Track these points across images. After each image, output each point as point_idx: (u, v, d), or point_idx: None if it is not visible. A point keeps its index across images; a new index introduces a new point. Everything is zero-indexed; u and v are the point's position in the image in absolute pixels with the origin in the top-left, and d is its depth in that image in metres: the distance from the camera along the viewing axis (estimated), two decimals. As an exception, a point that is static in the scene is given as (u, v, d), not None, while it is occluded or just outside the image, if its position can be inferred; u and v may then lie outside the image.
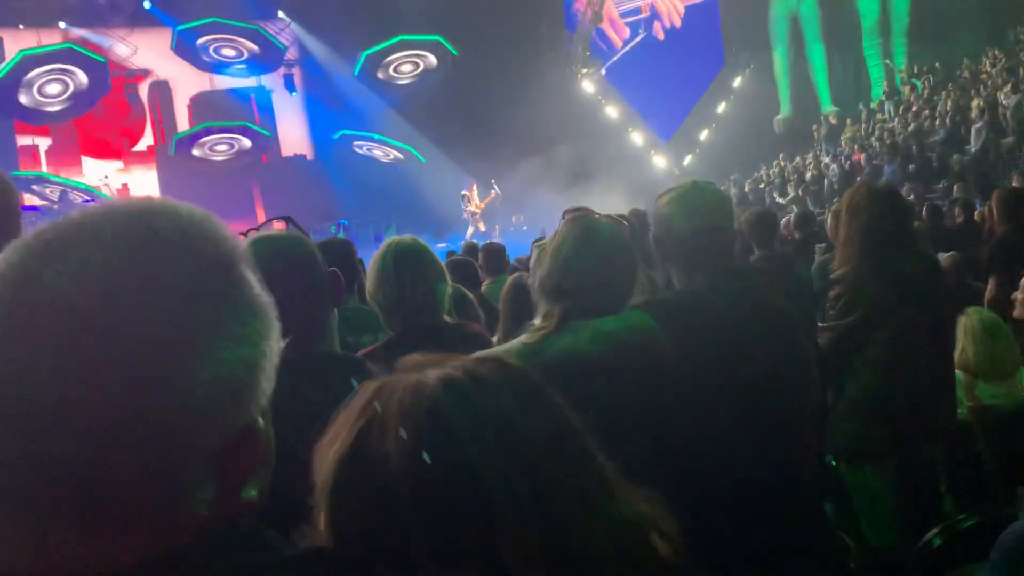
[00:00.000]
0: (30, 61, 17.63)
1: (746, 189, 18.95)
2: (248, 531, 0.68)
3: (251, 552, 0.66)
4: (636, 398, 1.67)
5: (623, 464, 0.78)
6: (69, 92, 18.36)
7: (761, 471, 1.75)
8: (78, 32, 18.81)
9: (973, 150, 13.70)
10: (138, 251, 0.61)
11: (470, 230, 17.76)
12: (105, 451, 0.57)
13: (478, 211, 18.25)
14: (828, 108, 22.41)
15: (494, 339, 3.08)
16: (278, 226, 2.40)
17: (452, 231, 18.06)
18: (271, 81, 21.42)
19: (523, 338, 1.81)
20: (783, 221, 6.85)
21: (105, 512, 0.58)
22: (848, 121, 20.66)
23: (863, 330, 2.79)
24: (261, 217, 19.34)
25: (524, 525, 0.70)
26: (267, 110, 21.48)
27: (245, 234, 1.66)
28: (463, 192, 18.24)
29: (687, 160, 22.92)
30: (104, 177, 19.25)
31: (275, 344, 0.68)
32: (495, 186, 18.95)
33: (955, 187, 11.03)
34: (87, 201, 18.29)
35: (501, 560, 0.69)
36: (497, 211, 19.04)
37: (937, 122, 15.95)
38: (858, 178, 15.04)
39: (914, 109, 17.65)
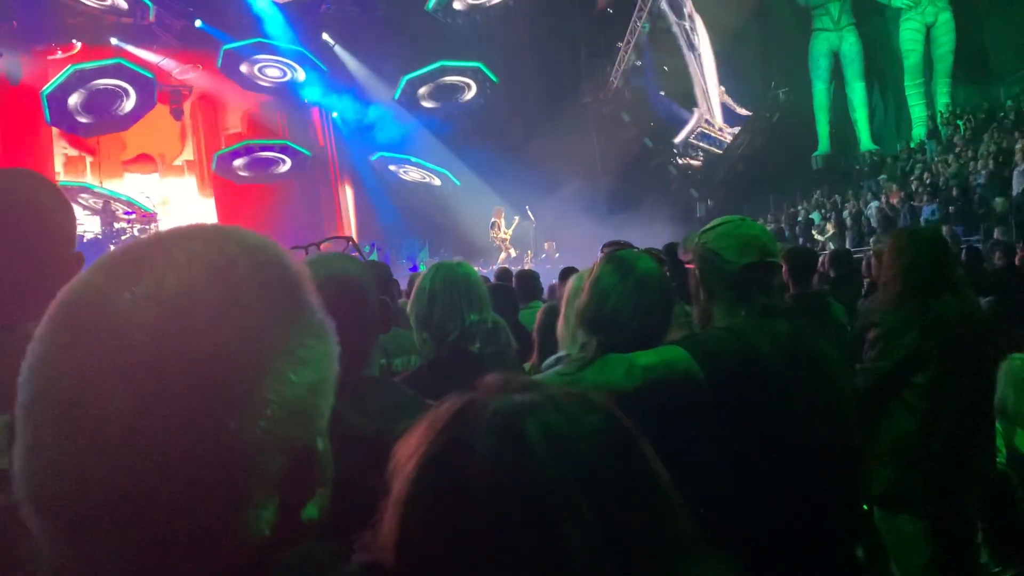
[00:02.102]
0: (81, 75, 18.10)
1: (782, 224, 18.84)
2: (308, 551, 0.68)
3: (310, 570, 0.67)
4: (670, 434, 1.66)
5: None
6: (117, 106, 18.81)
7: (795, 514, 1.73)
8: (129, 49, 19.29)
9: (1015, 192, 13.49)
10: (210, 275, 0.63)
11: (502, 255, 17.79)
12: (175, 474, 0.58)
13: (507, 237, 18.28)
14: (867, 146, 22.24)
15: (527, 365, 3.09)
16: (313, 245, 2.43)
17: (484, 255, 18.12)
18: (310, 101, 21.75)
19: (559, 368, 1.82)
20: (820, 260, 6.79)
21: (171, 534, 0.59)
22: (888, 160, 20.47)
23: (903, 374, 2.75)
24: (293, 236, 19.53)
25: (594, 569, 0.66)
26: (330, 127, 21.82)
27: (306, 249, 1.69)
28: (492, 219, 18.30)
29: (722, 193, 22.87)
30: (143, 193, 19.62)
31: (335, 367, 0.70)
32: (529, 212, 18.99)
33: (996, 231, 10.86)
34: (129, 213, 18.69)
35: None
36: (530, 238, 19.07)
37: (979, 163, 15.75)
38: (897, 218, 14.88)
39: (956, 150, 17.46)
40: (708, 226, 2.04)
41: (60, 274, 1.39)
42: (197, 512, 0.59)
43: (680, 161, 23.56)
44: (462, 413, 0.72)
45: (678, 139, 23.58)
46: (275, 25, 19.92)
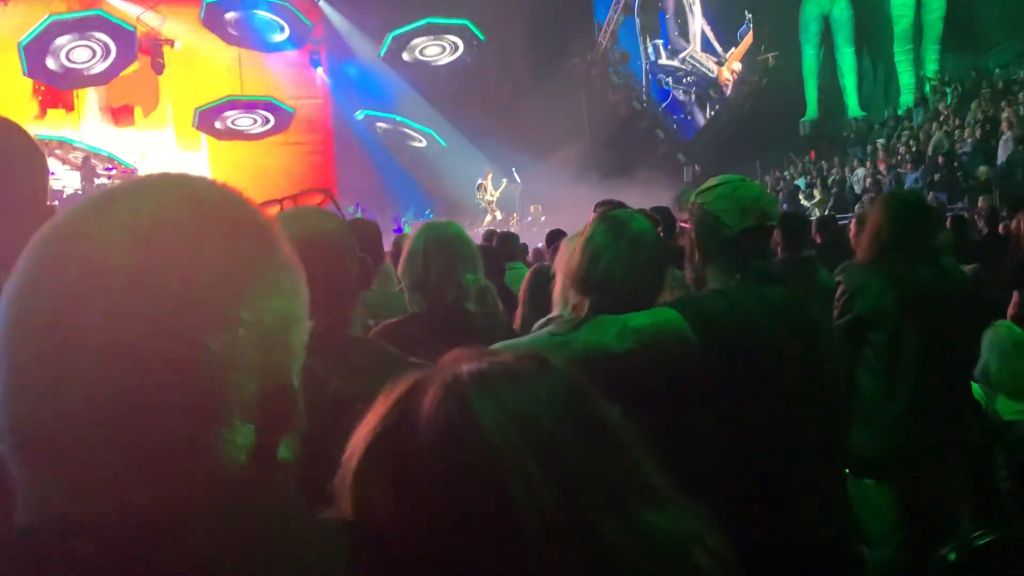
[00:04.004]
0: (59, 26, 17.66)
1: (768, 190, 18.85)
2: (284, 491, 0.71)
3: (285, 512, 0.69)
4: (661, 396, 1.65)
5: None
6: (96, 59, 18.40)
7: (783, 478, 1.73)
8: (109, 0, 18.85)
9: (1000, 162, 13.54)
10: (182, 207, 0.66)
11: (487, 218, 17.71)
12: (151, 386, 0.60)
13: (493, 199, 18.18)
14: (855, 112, 22.21)
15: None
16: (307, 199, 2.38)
17: (469, 218, 18.04)
18: (295, 57, 21.40)
19: (551, 328, 1.80)
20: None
21: (150, 449, 0.61)
22: (875, 127, 20.45)
23: (860, 331, 2.77)
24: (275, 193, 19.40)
25: (547, 529, 0.68)
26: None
27: (281, 202, 1.64)
28: (479, 181, 18.17)
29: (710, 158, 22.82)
30: (123, 146, 19.32)
31: (305, 307, 0.72)
32: (515, 175, 18.87)
33: (980, 199, 10.91)
34: (109, 168, 18.40)
35: (526, 567, 0.67)
36: (516, 200, 18.97)
37: (966, 132, 15.78)
38: (882, 185, 14.92)
39: (942, 118, 17.46)
40: (706, 185, 2.00)
41: (30, 227, 1.35)
42: (174, 423, 0.61)
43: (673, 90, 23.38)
44: (415, 385, 0.75)
45: (663, 60, 23.41)
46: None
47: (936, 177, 14.25)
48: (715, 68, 23.53)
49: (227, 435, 0.64)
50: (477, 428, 0.70)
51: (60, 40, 17.65)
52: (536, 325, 2.48)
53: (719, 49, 23.62)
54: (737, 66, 23.23)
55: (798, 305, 1.92)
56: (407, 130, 21.54)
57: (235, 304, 0.64)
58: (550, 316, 2.25)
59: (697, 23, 23.58)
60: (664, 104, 24.00)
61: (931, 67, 20.97)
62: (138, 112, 20.37)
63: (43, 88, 18.85)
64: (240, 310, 0.64)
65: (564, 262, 1.93)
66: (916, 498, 2.74)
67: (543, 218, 17.96)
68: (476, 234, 10.09)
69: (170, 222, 0.65)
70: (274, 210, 1.46)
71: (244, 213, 0.70)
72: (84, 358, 0.59)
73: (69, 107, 19.45)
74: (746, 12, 22.86)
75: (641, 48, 23.82)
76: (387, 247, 5.17)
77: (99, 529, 0.61)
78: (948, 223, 7.44)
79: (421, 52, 20.79)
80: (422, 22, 19.97)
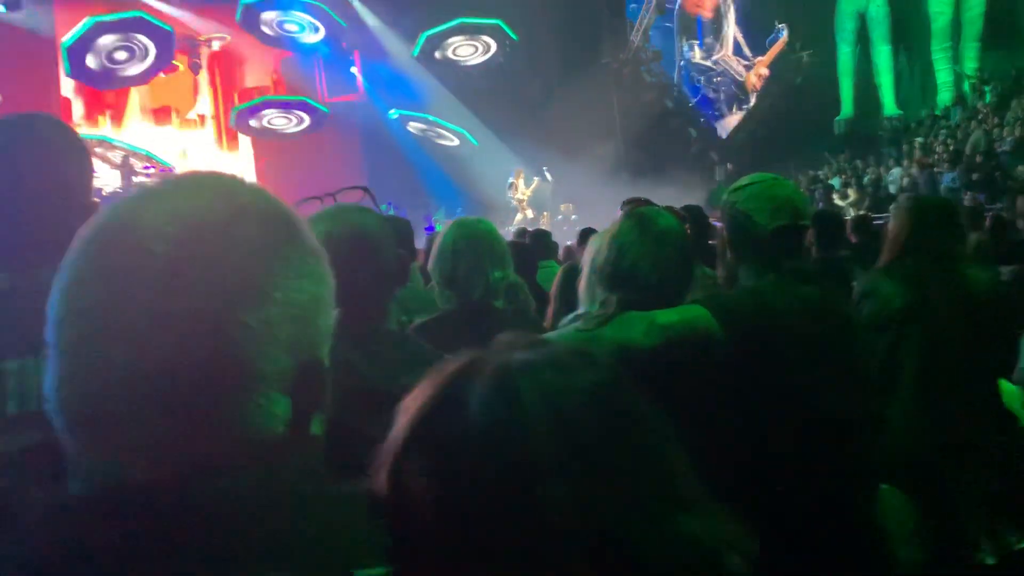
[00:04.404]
0: (100, 28, 17.99)
1: (801, 189, 18.62)
2: (316, 461, 0.77)
3: (318, 477, 0.75)
4: (688, 395, 1.64)
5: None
6: (135, 59, 18.72)
7: (811, 477, 1.72)
8: (148, 1, 19.14)
9: (1041, 161, 13.27)
10: (216, 201, 0.73)
11: (518, 216, 17.70)
12: (194, 358, 0.67)
13: (524, 198, 18.16)
14: (892, 111, 21.86)
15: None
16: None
17: (501, 216, 18.05)
18: (330, 57, 21.56)
19: (578, 325, 1.81)
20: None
21: (195, 416, 0.67)
22: (912, 126, 20.12)
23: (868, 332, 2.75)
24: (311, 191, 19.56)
25: (580, 528, 0.69)
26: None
27: (321, 199, 1.68)
28: (510, 180, 18.16)
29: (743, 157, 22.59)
30: (161, 146, 19.61)
31: (331, 290, 0.79)
32: (547, 173, 18.83)
33: (1018, 199, 10.68)
34: (147, 167, 18.71)
35: (554, 560, 0.68)
36: (547, 199, 18.94)
37: (1005, 131, 15.47)
38: (918, 184, 14.69)
39: (980, 116, 17.14)
40: (738, 184, 1.99)
41: (74, 222, 1.40)
42: (215, 392, 0.68)
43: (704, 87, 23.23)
44: (463, 369, 0.76)
45: (697, 59, 23.27)
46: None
47: (974, 176, 13.99)
48: (744, 72, 23.37)
49: (264, 403, 0.70)
50: (522, 415, 0.71)
51: (103, 40, 17.99)
52: (563, 321, 2.49)
53: (748, 54, 23.45)
54: (764, 71, 23.06)
55: (832, 305, 1.90)
56: (439, 129, 21.62)
57: (266, 285, 0.71)
58: (577, 312, 2.26)
59: (731, 28, 23.43)
60: (696, 101, 23.83)
61: (970, 65, 20.56)
62: (176, 112, 20.68)
63: (84, 88, 19.20)
64: (271, 290, 0.71)
65: (590, 259, 1.94)
66: (933, 503, 2.70)
67: (574, 216, 17.91)
68: (507, 232, 10.11)
69: (205, 213, 0.71)
70: (314, 206, 1.49)
71: (271, 205, 0.76)
72: (131, 335, 0.66)
73: (113, 105, 19.80)
74: (777, 22, 22.67)
75: (676, 47, 23.68)
76: (418, 245, 5.21)
77: (148, 488, 0.67)
78: (987, 223, 7.29)
79: (454, 52, 20.85)
80: (455, 22, 20.02)
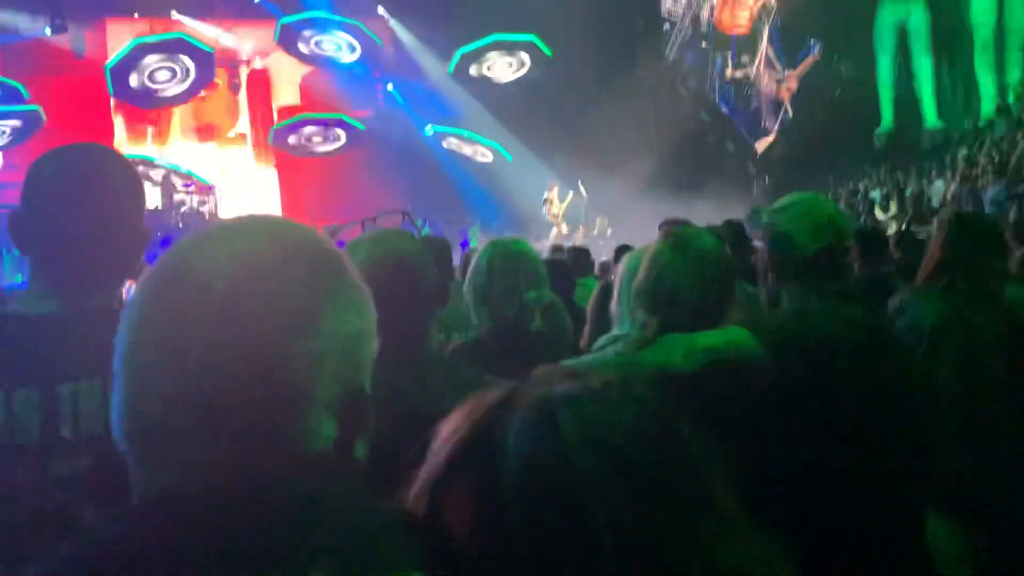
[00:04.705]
0: (143, 49, 18.44)
1: (841, 203, 18.39)
2: (360, 480, 0.82)
3: (362, 495, 0.79)
4: (730, 419, 1.62)
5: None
6: (177, 79, 19.15)
7: (861, 506, 1.68)
8: (189, 22, 19.58)
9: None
10: (268, 242, 0.80)
11: (553, 231, 17.70)
12: (248, 384, 0.73)
13: (559, 213, 18.16)
14: (933, 123, 21.52)
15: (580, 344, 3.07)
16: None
17: (535, 231, 18.06)
18: (366, 74, 21.83)
19: (617, 348, 1.80)
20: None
21: (249, 435, 0.73)
22: (955, 138, 19.78)
23: None
24: (349, 208, 19.89)
25: (623, 556, 0.68)
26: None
27: (362, 223, 1.70)
28: (544, 195, 18.18)
29: (781, 171, 22.37)
30: (202, 165, 19.97)
31: (373, 323, 0.84)
32: (581, 188, 18.83)
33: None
34: (187, 185, 19.08)
35: None
36: (582, 213, 18.93)
37: (1052, 143, 15.13)
38: (961, 198, 14.42)
39: (1027, 127, 16.80)
40: (779, 205, 1.97)
41: (126, 249, 1.44)
42: (267, 413, 0.74)
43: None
44: (504, 401, 0.77)
45: (729, 72, 23.19)
46: (331, 0, 20.00)
47: (1021, 189, 13.69)
48: (775, 86, 23.21)
49: (313, 425, 0.76)
50: (562, 449, 0.72)
51: (145, 61, 18.45)
52: (599, 342, 2.48)
53: (779, 67, 23.31)
54: (793, 85, 22.90)
55: (879, 327, 1.86)
56: (474, 144, 21.75)
57: (314, 319, 0.77)
58: (615, 334, 2.25)
59: (763, 43, 23.34)
60: (732, 116, 23.69)
61: (1015, 75, 20.18)
62: (216, 130, 21.07)
63: (128, 108, 19.66)
64: (319, 324, 0.77)
65: (621, 279, 1.93)
66: (982, 530, 2.63)
67: (609, 231, 17.87)
68: (542, 247, 10.12)
69: (258, 254, 0.78)
70: (355, 231, 1.50)
71: (318, 246, 0.83)
72: (192, 363, 0.72)
73: (156, 124, 20.24)
74: (810, 39, 22.51)
75: (711, 61, 23.59)
76: (454, 259, 5.23)
77: (205, 497, 0.73)
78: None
79: (488, 68, 20.99)
80: (489, 39, 20.17)
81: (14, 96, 17.52)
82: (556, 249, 6.85)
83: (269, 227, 0.83)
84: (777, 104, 23.27)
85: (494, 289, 2.32)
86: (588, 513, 0.69)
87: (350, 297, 0.82)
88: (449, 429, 0.78)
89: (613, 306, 2.50)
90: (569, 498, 0.70)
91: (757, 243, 2.14)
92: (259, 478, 0.73)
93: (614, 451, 0.72)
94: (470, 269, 2.43)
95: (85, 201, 1.34)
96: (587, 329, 3.17)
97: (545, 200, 18.10)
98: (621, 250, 5.29)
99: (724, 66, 23.48)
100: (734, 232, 4.21)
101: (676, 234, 1.93)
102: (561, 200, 18.22)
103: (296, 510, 0.73)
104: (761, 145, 23.16)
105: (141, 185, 1.46)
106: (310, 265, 0.80)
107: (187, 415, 0.72)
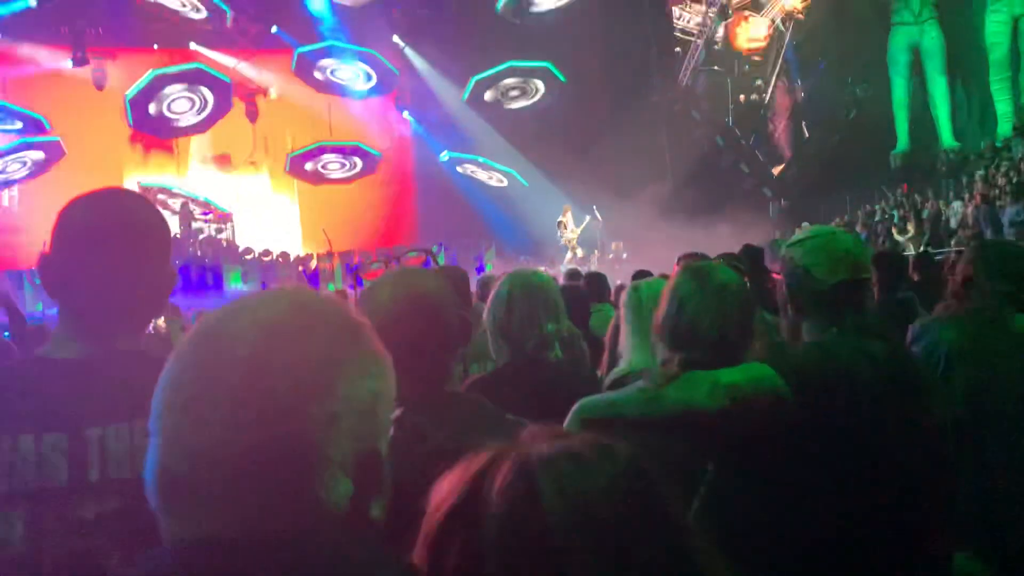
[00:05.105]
0: (161, 80, 18.73)
1: (858, 225, 18.31)
2: (374, 538, 0.85)
3: (374, 553, 0.82)
4: (755, 456, 1.62)
5: (735, 523, 0.73)
6: (195, 109, 19.42)
7: (884, 542, 1.67)
8: (207, 52, 19.87)
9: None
10: (291, 312, 0.86)
11: (568, 255, 17.70)
12: (268, 443, 0.77)
13: (573, 237, 18.17)
14: (949, 143, 21.43)
15: (598, 373, 3.06)
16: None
17: (550, 256, 18.07)
18: (382, 102, 22.05)
19: (640, 384, 1.79)
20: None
21: (269, 491, 0.78)
22: (971, 158, 19.69)
23: None
24: (367, 234, 20.02)
25: None
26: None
27: (387, 263, 1.72)
28: (559, 219, 18.22)
29: (797, 193, 22.32)
30: (218, 192, 20.14)
31: (392, 386, 0.89)
32: (596, 213, 18.86)
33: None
34: (205, 213, 19.26)
35: None
36: (597, 238, 18.93)
37: (1070, 162, 15.02)
38: (979, 219, 14.33)
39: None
40: (797, 238, 1.97)
41: (158, 291, 1.46)
42: (286, 471, 0.78)
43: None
44: (488, 464, 0.80)
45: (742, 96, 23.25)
46: (347, 29, 20.24)
47: (1040, 210, 13.60)
48: (790, 107, 23.29)
49: (329, 483, 0.80)
50: (540, 509, 0.74)
51: (165, 91, 18.73)
52: (615, 371, 2.47)
53: (795, 89, 23.42)
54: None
55: (900, 359, 1.85)
56: (489, 170, 21.86)
57: (332, 383, 0.82)
58: (621, 369, 2.25)
59: (777, 65, 23.45)
60: (746, 138, 23.70)
61: (1031, 94, 20.11)
62: (234, 158, 21.29)
63: (147, 137, 19.94)
64: (336, 387, 0.82)
65: (624, 310, 1.90)
66: (1004, 562, 2.58)
67: (625, 255, 17.85)
68: (557, 272, 10.11)
69: (282, 323, 0.84)
70: (381, 271, 1.52)
71: (339, 315, 0.88)
72: (217, 424, 0.77)
73: (174, 154, 20.49)
74: (820, 59, 22.60)
75: (725, 84, 23.66)
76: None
77: (231, 546, 0.77)
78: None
79: (503, 95, 21.14)
80: (503, 66, 20.33)
81: (36, 127, 17.84)
82: (572, 275, 6.83)
83: (293, 298, 0.88)
84: (793, 126, 23.29)
85: (513, 320, 2.32)
86: (566, 570, 0.72)
87: (367, 362, 0.86)
88: (440, 493, 0.81)
89: (622, 339, 2.50)
90: (546, 561, 0.73)
91: (776, 277, 2.14)
92: (276, 532, 0.77)
93: (589, 510, 0.74)
94: (489, 300, 2.43)
95: (114, 249, 1.36)
96: (605, 357, 3.17)
97: (559, 223, 18.13)
98: (639, 275, 5.28)
99: (737, 89, 23.55)
100: (751, 257, 4.20)
101: (694, 267, 1.93)
102: (576, 225, 18.23)
103: (310, 564, 0.77)
104: (777, 168, 23.16)
105: (167, 229, 1.48)
106: (328, 333, 0.85)
107: (213, 473, 0.77)
